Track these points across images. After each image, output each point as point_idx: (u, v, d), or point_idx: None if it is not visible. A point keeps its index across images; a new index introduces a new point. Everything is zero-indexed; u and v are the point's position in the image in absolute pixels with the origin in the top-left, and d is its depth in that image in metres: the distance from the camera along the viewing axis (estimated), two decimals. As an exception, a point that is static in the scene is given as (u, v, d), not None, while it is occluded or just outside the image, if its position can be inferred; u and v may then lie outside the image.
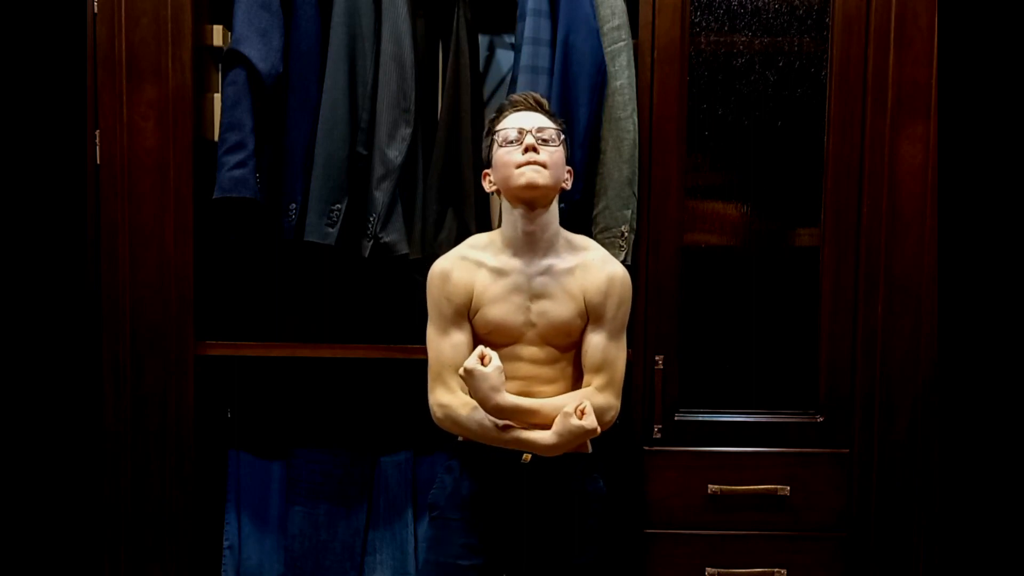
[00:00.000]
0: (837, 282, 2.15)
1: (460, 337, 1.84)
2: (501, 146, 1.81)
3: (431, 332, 1.86)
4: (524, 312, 1.84)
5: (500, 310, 1.83)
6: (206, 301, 2.17)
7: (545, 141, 1.79)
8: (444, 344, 1.84)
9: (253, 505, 2.30)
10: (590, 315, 1.85)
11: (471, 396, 1.79)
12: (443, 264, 1.86)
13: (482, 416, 1.79)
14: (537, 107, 1.85)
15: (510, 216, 1.84)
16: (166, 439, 2.11)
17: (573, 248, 1.88)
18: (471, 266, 1.85)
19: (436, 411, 1.84)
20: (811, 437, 2.17)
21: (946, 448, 1.70)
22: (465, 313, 1.85)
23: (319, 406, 2.40)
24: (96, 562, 2.12)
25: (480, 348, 1.77)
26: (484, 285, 1.84)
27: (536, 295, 1.85)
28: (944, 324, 1.72)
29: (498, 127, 1.84)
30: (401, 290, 2.21)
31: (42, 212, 1.76)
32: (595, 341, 1.85)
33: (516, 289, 1.84)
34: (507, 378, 1.79)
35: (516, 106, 1.85)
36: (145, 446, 2.11)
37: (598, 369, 1.85)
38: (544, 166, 1.77)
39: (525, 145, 1.77)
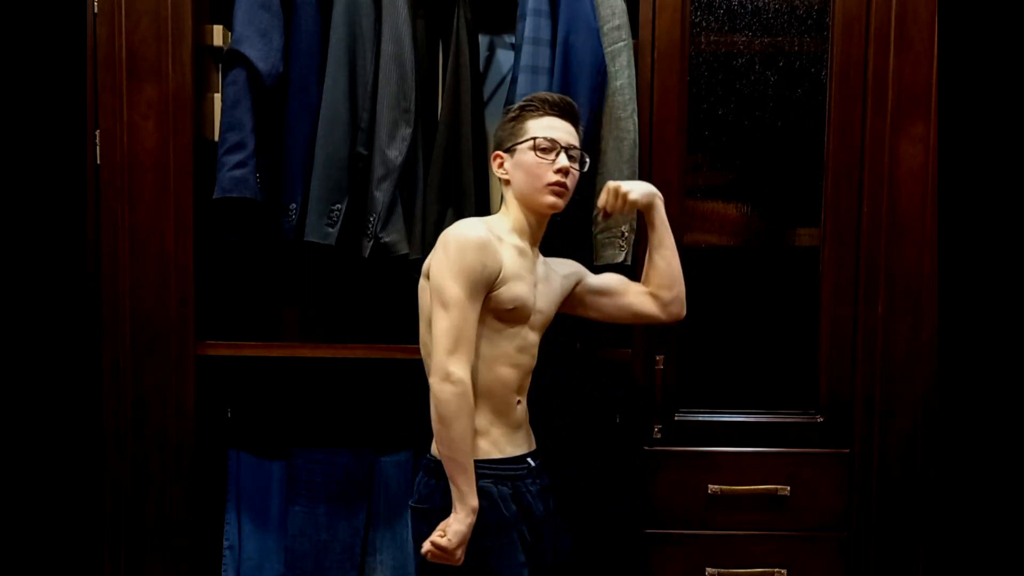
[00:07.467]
0: (837, 282, 2.15)
1: (478, 312, 1.74)
2: (532, 150, 1.80)
3: (457, 295, 1.69)
4: (533, 295, 1.83)
5: (522, 287, 1.80)
6: (206, 301, 2.17)
7: (572, 159, 1.82)
8: (471, 311, 1.71)
9: (253, 505, 2.30)
10: (582, 279, 1.96)
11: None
12: (476, 231, 1.75)
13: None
14: (571, 116, 1.85)
15: (521, 207, 1.84)
16: (166, 439, 2.11)
17: None
18: (496, 239, 1.78)
19: (446, 386, 1.67)
20: (811, 437, 2.17)
21: (946, 448, 1.70)
22: (488, 287, 1.75)
23: (319, 406, 2.40)
24: (96, 562, 2.12)
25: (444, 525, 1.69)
26: (509, 259, 1.79)
27: (539, 280, 1.86)
28: (944, 324, 1.73)
29: (530, 124, 1.81)
30: (401, 290, 2.21)
31: (42, 212, 1.76)
32: (614, 278, 1.98)
33: (530, 271, 1.83)
34: (512, 365, 1.79)
35: (553, 108, 1.82)
36: (145, 446, 2.11)
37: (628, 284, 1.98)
38: (567, 189, 1.82)
39: (559, 166, 1.79)
